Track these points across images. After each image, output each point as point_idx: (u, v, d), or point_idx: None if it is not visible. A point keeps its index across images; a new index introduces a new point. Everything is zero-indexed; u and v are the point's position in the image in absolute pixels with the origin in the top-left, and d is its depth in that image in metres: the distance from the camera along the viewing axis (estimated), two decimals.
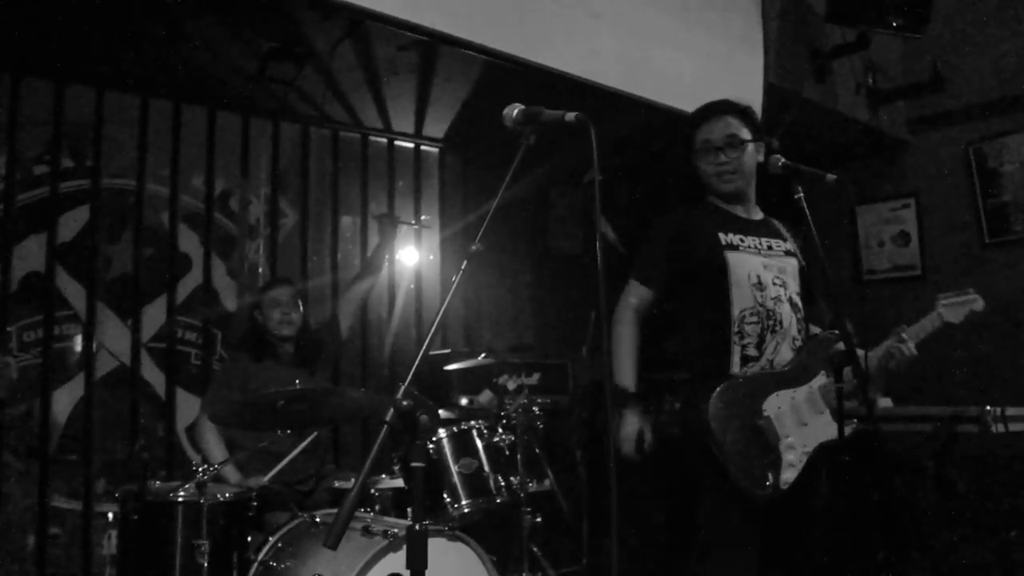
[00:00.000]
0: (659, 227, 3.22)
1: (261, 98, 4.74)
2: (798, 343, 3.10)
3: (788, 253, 3.19)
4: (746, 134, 3.11)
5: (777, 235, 3.22)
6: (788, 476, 2.88)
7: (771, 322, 3.04)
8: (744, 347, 3.02)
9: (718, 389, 2.92)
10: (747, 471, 2.85)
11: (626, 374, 3.08)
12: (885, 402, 4.54)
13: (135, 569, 3.28)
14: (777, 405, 2.95)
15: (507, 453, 3.74)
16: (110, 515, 3.88)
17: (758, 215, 3.26)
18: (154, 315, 4.66)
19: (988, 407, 3.42)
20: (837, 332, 2.99)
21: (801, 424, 2.96)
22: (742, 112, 3.18)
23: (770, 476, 2.86)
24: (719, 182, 3.14)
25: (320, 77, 4.43)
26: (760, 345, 3.03)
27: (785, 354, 3.06)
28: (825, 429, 2.97)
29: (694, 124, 3.20)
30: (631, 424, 3.05)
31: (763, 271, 3.08)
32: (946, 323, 3.04)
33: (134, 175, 4.62)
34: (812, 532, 3.17)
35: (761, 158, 3.09)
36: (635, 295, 3.17)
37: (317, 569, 2.90)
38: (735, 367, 3.00)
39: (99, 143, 4.51)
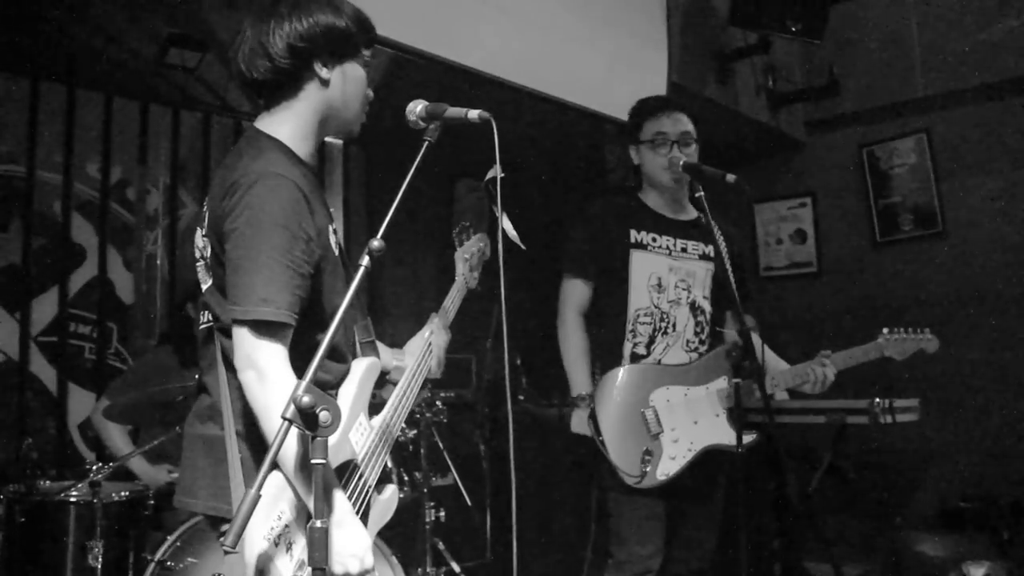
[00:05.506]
0: (584, 218, 3.26)
1: (161, 85, 4.60)
2: (693, 346, 3.17)
3: (704, 256, 3.24)
4: (694, 134, 3.20)
5: (699, 238, 3.26)
6: (667, 468, 2.94)
7: (664, 324, 3.12)
8: (635, 345, 3.10)
9: (608, 373, 3.01)
10: (623, 456, 2.92)
11: (577, 381, 3.12)
12: (781, 395, 4.68)
13: (21, 573, 3.15)
14: (666, 398, 3.01)
15: (410, 447, 3.74)
16: None
17: (687, 215, 3.31)
18: (45, 308, 4.47)
19: (877, 399, 3.56)
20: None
21: (691, 422, 3.02)
22: (691, 113, 3.26)
23: (647, 465, 2.91)
24: (667, 174, 3.17)
25: (222, 65, 4.32)
26: (649, 345, 3.11)
27: (676, 356, 3.13)
28: (718, 432, 3.04)
29: (642, 115, 3.25)
30: (577, 426, 3.10)
31: (667, 273, 3.14)
32: (886, 357, 3.15)
33: (24, 161, 4.43)
34: (714, 523, 3.24)
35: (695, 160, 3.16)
36: (573, 294, 3.19)
37: (216, 568, 2.84)
38: (626, 363, 3.08)
39: None
